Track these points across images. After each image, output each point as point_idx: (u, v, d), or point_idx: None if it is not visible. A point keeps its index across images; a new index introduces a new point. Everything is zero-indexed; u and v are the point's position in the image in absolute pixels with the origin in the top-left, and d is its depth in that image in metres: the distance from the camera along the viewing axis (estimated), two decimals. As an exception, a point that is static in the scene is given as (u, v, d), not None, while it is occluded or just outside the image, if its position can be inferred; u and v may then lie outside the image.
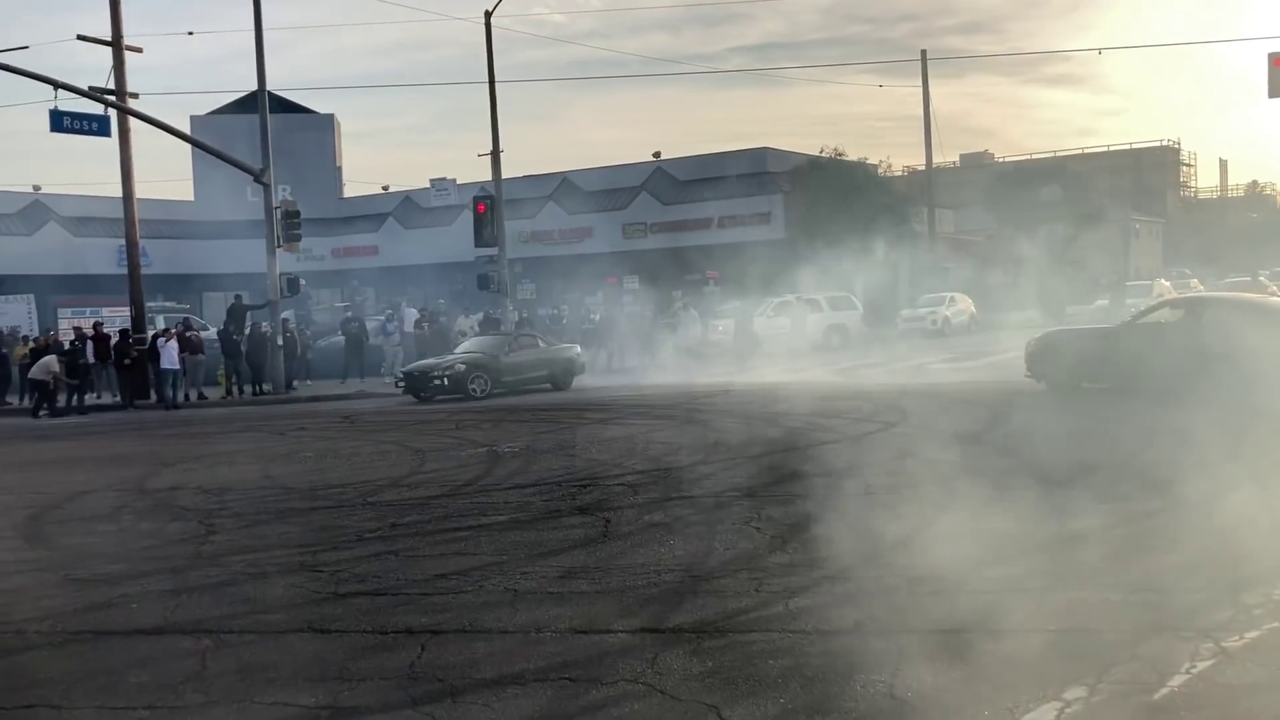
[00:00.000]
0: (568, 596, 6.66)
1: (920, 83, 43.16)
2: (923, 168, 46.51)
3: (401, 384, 23.41)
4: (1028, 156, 77.74)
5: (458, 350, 24.88)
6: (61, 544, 9.21)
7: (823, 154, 40.96)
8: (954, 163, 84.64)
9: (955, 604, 6.09)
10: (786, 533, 7.98)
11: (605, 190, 44.73)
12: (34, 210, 41.68)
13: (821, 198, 38.61)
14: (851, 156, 41.81)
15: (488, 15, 29.57)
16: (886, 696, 4.85)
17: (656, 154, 45.54)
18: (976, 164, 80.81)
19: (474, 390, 22.54)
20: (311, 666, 5.60)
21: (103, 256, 39.53)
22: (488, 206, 28.20)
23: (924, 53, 43.86)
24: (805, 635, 5.72)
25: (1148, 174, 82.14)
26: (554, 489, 10.36)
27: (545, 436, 14.70)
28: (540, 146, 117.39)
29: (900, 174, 75.10)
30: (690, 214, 42.30)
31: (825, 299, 34.73)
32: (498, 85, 29.73)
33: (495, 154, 29.54)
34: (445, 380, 22.45)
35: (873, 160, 44.00)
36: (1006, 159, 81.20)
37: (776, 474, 10.53)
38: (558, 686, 5.18)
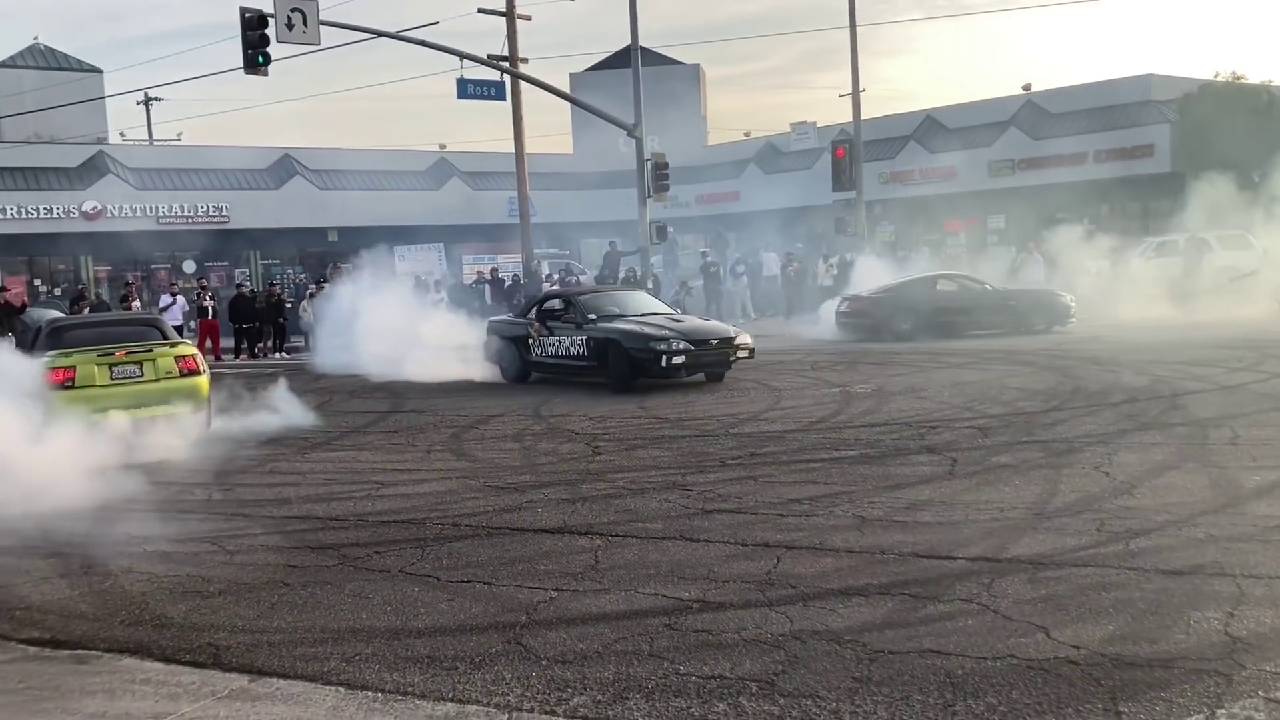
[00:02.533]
0: (911, 525, 7.20)
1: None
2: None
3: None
4: None
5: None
6: (479, 457, 10.90)
7: (1217, 78, 37.27)
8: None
9: (1311, 555, 6.03)
10: (1136, 478, 8.02)
11: (970, 127, 43.25)
12: (440, 167, 46.66)
13: (1215, 126, 35.26)
14: (1253, 79, 37.74)
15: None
16: (1219, 633, 5.04)
17: (1026, 86, 43.37)
18: None
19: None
20: (684, 568, 6.55)
21: (496, 207, 43.69)
22: (846, 151, 28.43)
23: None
24: (1143, 573, 5.93)
25: None
26: (903, 429, 10.81)
27: (897, 379, 15.06)
28: (905, 82, 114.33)
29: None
30: (1063, 149, 40.05)
31: (1216, 238, 31.93)
32: (859, 26, 29.73)
33: (855, 96, 29.64)
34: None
35: (1280, 81, 39.32)
36: None
37: (1134, 421, 10.37)
38: (898, 600, 5.78)
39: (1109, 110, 39.08)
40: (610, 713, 4.60)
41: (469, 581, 6.55)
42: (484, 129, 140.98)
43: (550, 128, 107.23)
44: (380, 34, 23.02)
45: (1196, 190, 37.37)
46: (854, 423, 11.46)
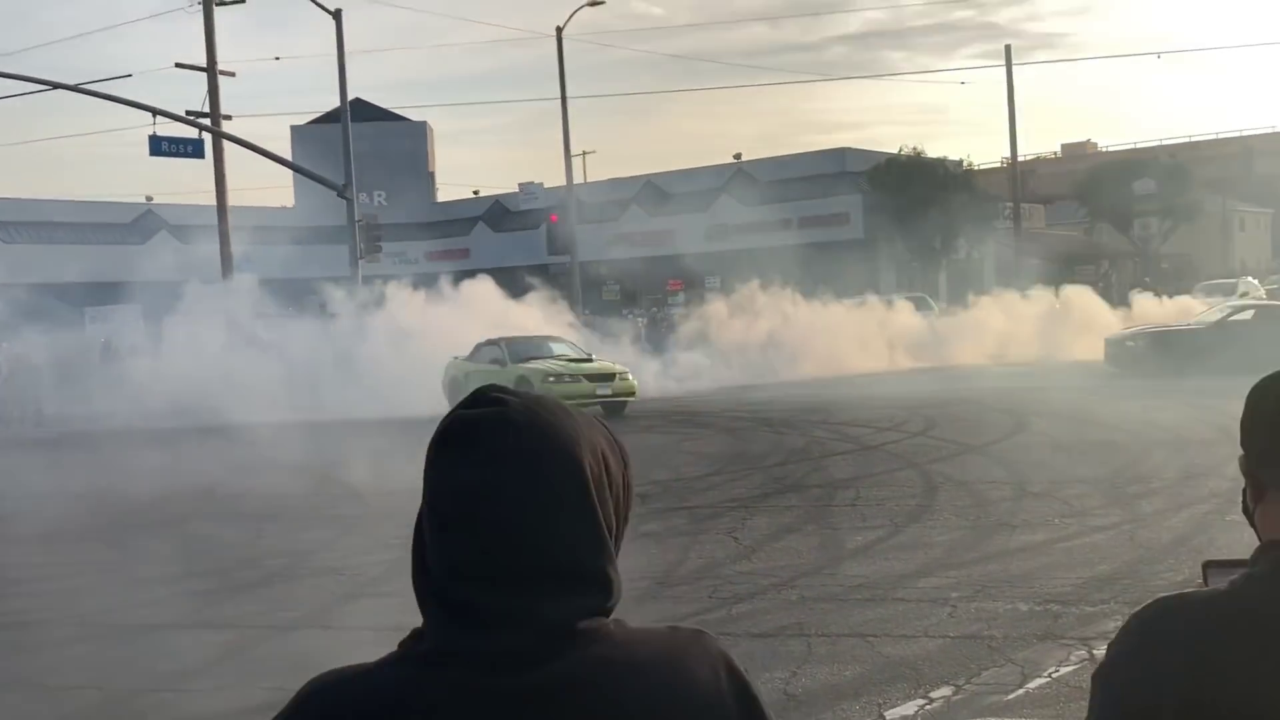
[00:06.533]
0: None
1: (1006, 79, 42.86)
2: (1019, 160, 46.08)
3: None
4: (1131, 145, 76.01)
5: None
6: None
7: (901, 153, 41.06)
8: (1055, 153, 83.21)
9: (878, 610, 6.76)
10: (759, 542, 8.69)
11: (687, 193, 45.47)
12: (146, 220, 44.28)
13: (900, 197, 38.78)
14: (934, 153, 41.85)
15: (559, 31, 30.64)
16: (780, 693, 5.56)
17: (737, 156, 46.26)
18: (1078, 154, 79.31)
19: None
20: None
21: (214, 263, 41.80)
22: (560, 218, 29.28)
23: (1008, 49, 43.37)
24: (734, 637, 6.40)
25: (1260, 161, 79.30)
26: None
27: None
28: (635, 143, 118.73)
29: (999, 165, 73.97)
30: (770, 215, 42.79)
31: (902, 300, 34.93)
32: (589, 89, 30.80)
33: (568, 165, 30.61)
34: None
35: (955, 156, 43.79)
36: (1110, 148, 79.47)
37: (779, 484, 11.22)
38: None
39: (808, 180, 42.13)
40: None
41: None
42: (199, 178, 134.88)
43: (274, 178, 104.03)
44: (58, 86, 21.78)
45: (887, 255, 40.83)
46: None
